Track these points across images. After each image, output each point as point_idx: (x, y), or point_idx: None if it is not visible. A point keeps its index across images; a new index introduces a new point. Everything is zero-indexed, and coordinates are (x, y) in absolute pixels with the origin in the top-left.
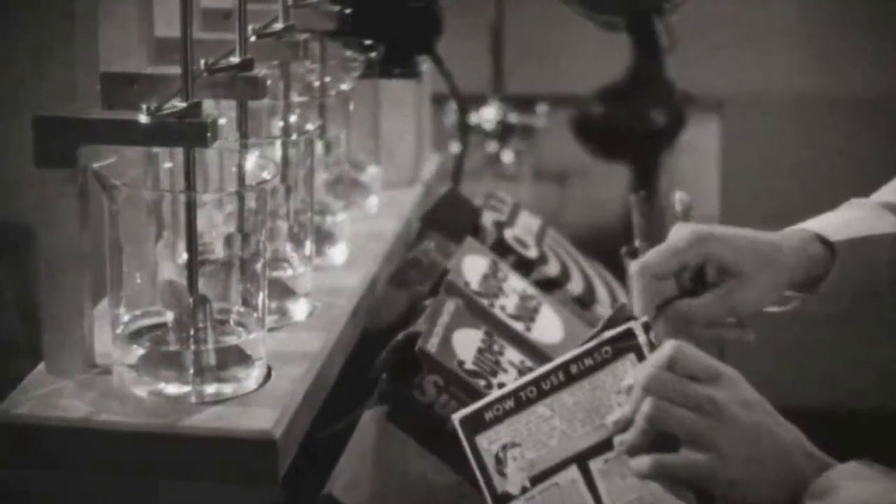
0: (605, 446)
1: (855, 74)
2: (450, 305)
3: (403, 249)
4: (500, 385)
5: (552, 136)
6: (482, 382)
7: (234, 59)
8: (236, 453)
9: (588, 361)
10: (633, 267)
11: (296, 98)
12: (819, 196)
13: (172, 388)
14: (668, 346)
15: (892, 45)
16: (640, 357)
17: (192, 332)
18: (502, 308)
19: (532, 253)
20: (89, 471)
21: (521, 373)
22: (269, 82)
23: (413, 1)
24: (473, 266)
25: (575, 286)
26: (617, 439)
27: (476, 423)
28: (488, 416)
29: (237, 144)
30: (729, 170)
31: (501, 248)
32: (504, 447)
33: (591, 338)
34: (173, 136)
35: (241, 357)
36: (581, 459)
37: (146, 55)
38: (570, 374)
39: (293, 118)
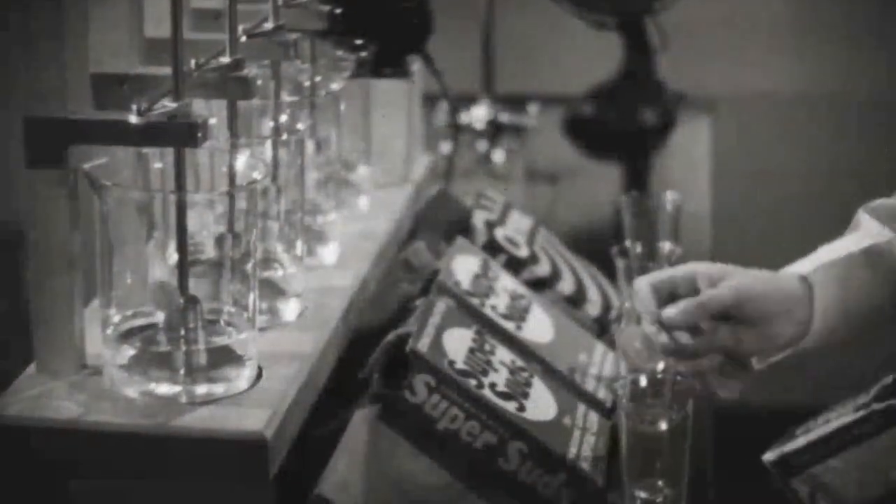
0: None
1: (845, 75)
2: (441, 305)
3: (394, 249)
4: (492, 384)
5: (543, 135)
6: (473, 382)
7: (225, 59)
8: (227, 453)
9: None
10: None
11: (286, 98)
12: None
13: (163, 389)
14: None
15: (883, 45)
16: None
17: (182, 333)
18: (493, 308)
19: (523, 252)
20: (80, 471)
21: (512, 372)
22: (259, 82)
23: (404, 1)
24: (464, 266)
25: (566, 286)
26: None
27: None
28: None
29: (227, 144)
30: (720, 170)
31: (492, 248)
32: None
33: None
34: (163, 136)
35: (231, 357)
36: None
37: (136, 55)
38: None
39: (283, 118)
